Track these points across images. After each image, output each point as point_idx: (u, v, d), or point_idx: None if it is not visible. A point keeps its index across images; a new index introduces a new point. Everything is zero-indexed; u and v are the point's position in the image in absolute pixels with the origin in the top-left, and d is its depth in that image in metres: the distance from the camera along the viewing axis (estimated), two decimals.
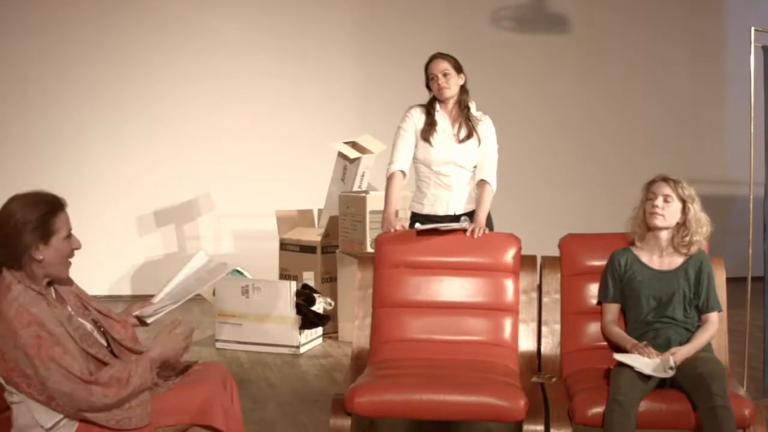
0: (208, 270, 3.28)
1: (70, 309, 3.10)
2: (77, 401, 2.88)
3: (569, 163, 9.34)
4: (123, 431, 2.95)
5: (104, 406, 2.91)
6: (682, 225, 4.16)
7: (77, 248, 3.08)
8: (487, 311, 4.47)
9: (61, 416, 2.96)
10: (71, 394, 2.87)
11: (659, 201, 4.13)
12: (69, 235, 3.05)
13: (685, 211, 4.15)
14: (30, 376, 2.88)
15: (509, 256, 4.53)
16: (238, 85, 8.66)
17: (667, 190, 4.15)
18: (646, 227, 4.22)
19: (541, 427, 3.82)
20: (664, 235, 4.19)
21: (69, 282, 3.19)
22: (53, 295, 3.08)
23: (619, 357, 3.87)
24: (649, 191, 4.20)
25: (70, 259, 3.08)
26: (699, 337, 4.01)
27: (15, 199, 3.02)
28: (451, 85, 4.84)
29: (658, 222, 4.15)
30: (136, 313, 3.33)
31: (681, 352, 3.89)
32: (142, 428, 2.97)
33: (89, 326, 3.12)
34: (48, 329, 2.89)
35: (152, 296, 3.46)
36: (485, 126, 4.91)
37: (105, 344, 3.14)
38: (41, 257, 2.97)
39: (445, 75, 4.82)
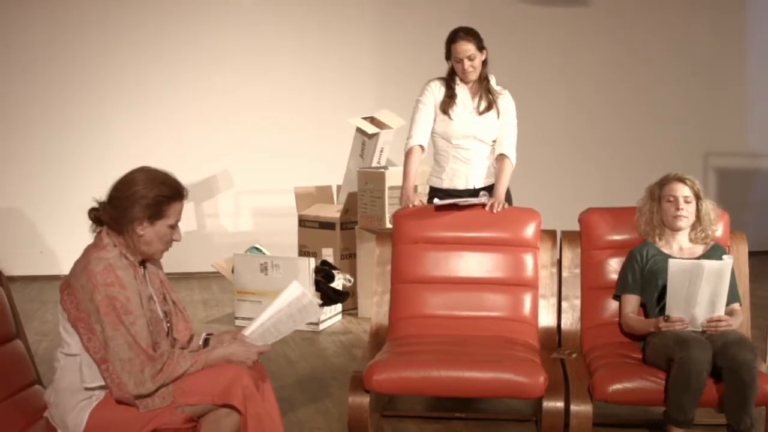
0: (300, 307, 3.26)
1: (152, 291, 3.15)
2: (127, 373, 2.91)
3: (589, 137, 9.25)
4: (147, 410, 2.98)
5: (146, 390, 2.94)
6: (697, 221, 4.15)
7: (177, 240, 3.15)
8: (506, 287, 4.44)
9: (102, 383, 2.98)
10: (127, 363, 2.91)
11: (681, 203, 4.10)
12: (175, 225, 3.13)
13: (698, 207, 4.14)
14: (95, 332, 2.93)
15: (529, 230, 4.50)
16: (256, 61, 8.60)
17: (686, 191, 4.13)
18: (663, 227, 4.19)
19: (560, 404, 3.80)
20: (685, 232, 4.17)
21: (159, 265, 3.26)
22: (142, 271, 3.13)
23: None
24: (666, 193, 4.16)
25: (168, 247, 3.15)
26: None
27: (142, 170, 3.10)
28: (477, 67, 4.76)
29: (683, 224, 4.13)
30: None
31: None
32: (164, 407, 2.99)
33: (161, 314, 3.16)
34: (126, 295, 2.96)
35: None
36: (505, 100, 4.84)
37: (167, 337, 3.18)
38: (142, 233, 3.04)
39: (470, 59, 4.74)
